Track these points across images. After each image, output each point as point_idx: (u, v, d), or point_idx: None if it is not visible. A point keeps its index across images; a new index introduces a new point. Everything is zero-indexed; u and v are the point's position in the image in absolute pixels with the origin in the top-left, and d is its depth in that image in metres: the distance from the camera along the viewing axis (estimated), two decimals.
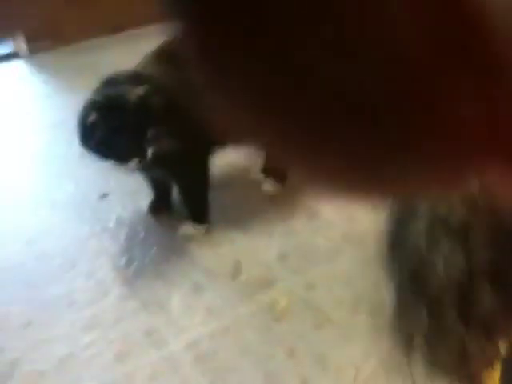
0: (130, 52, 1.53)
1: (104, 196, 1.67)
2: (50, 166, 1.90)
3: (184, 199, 1.47)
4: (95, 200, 1.66)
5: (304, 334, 1.11)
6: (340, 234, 1.35)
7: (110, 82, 1.32)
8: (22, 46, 2.82)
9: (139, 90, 1.25)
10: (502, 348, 0.68)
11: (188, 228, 1.46)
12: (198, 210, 1.46)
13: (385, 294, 0.67)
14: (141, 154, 1.25)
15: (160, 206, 1.55)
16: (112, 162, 1.27)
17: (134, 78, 1.32)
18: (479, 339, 0.56)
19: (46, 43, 2.75)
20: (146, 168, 1.36)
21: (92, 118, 1.21)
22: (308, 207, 1.47)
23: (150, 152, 1.26)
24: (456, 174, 0.19)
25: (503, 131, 0.17)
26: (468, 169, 0.19)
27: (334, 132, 0.18)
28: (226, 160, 1.61)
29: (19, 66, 2.79)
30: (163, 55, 1.40)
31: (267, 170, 1.60)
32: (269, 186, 1.59)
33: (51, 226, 1.56)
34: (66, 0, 2.65)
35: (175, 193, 1.51)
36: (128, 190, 1.66)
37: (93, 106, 1.25)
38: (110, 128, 1.22)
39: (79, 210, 1.62)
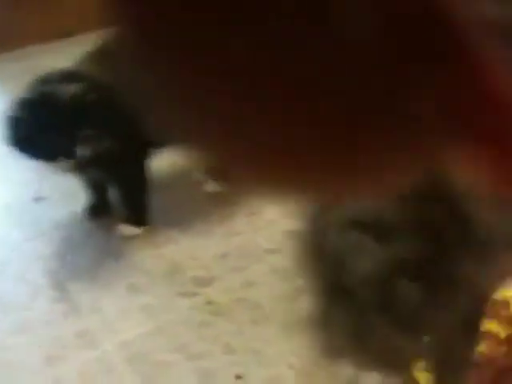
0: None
1: (39, 199, 1.62)
2: None
3: (122, 200, 1.44)
4: (30, 203, 1.60)
5: (241, 331, 1.09)
6: (280, 232, 1.34)
7: (44, 80, 1.28)
8: None
9: (73, 88, 1.22)
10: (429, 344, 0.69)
11: (126, 229, 1.42)
12: (137, 211, 1.43)
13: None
14: (68, 153, 1.22)
15: (97, 209, 1.51)
16: (40, 161, 1.23)
17: (69, 76, 1.28)
18: (404, 335, 0.55)
19: None
20: (81, 169, 1.32)
21: (18, 113, 1.17)
22: (249, 207, 1.46)
23: (79, 151, 1.22)
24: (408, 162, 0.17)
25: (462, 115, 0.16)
26: (421, 157, 0.17)
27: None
28: (166, 161, 1.59)
29: None
30: (100, 54, 1.37)
31: (210, 170, 1.58)
32: (210, 186, 1.57)
33: None
34: (13, 3, 2.59)
35: (113, 195, 1.48)
36: (64, 193, 1.61)
37: (21, 102, 1.21)
38: (37, 125, 1.19)
39: (12, 213, 1.56)
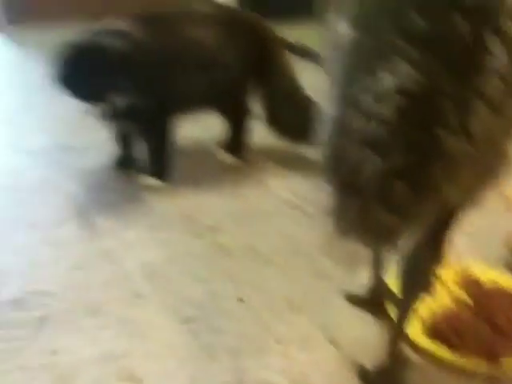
0: None
1: (70, 148, 1.80)
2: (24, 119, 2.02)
3: (148, 154, 1.60)
4: (63, 150, 1.78)
5: (243, 266, 1.25)
6: (280, 200, 1.52)
7: (97, 33, 1.46)
8: None
9: (120, 44, 1.41)
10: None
11: (148, 180, 1.59)
12: (159, 166, 1.60)
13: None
14: (105, 98, 1.39)
15: (123, 161, 1.68)
16: (81, 100, 1.40)
17: (119, 34, 1.46)
18: (396, 220, 0.70)
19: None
20: (113, 117, 1.49)
21: (69, 55, 1.36)
22: (256, 177, 1.64)
23: (113, 99, 1.40)
24: None
25: None
26: None
27: None
28: (190, 132, 1.78)
29: None
30: (151, 20, 1.56)
31: (226, 145, 1.76)
32: (226, 157, 1.75)
33: (24, 168, 1.67)
34: None
35: (139, 149, 1.64)
36: (93, 145, 1.79)
37: (74, 47, 1.39)
38: (83, 67, 1.37)
39: (47, 157, 1.74)
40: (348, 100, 0.68)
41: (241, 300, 1.15)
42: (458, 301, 1.13)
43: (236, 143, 1.76)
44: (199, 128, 1.85)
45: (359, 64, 0.69)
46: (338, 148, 0.68)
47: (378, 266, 1.07)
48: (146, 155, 1.61)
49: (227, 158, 1.76)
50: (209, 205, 1.51)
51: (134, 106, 1.46)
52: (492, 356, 0.99)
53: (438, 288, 1.16)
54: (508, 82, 0.65)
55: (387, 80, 0.63)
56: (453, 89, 0.63)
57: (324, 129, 0.73)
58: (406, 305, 0.91)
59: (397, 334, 0.93)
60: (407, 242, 0.84)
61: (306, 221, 1.45)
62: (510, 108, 0.68)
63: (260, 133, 1.76)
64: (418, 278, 0.88)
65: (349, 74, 0.71)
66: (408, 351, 1.01)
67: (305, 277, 1.23)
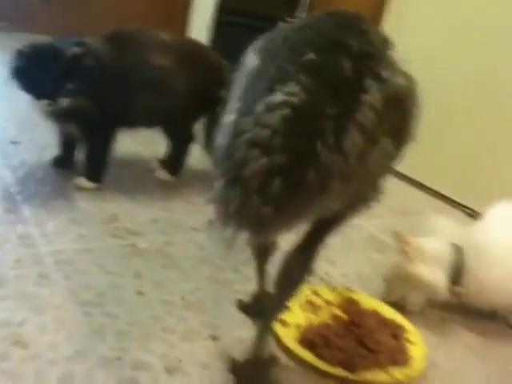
0: None
1: (15, 143, 1.89)
2: None
3: (85, 157, 1.70)
4: (5, 144, 1.87)
5: (152, 268, 1.35)
6: (204, 217, 1.62)
7: (58, 40, 1.58)
8: None
9: (74, 49, 1.53)
10: None
11: (81, 181, 1.69)
12: (94, 169, 1.70)
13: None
14: (54, 97, 1.50)
15: (63, 161, 1.78)
16: (32, 95, 1.51)
17: (78, 42, 1.59)
18: (273, 212, 0.74)
19: None
20: (60, 118, 1.60)
21: (25, 51, 1.48)
22: (185, 194, 1.76)
23: (60, 99, 1.51)
24: None
25: None
26: None
27: None
28: (133, 147, 1.89)
29: None
30: (113, 36, 1.69)
31: (164, 163, 1.88)
32: (161, 174, 1.87)
33: None
34: None
35: (79, 153, 1.75)
36: (37, 143, 1.89)
37: (32, 47, 1.51)
38: (39, 65, 1.48)
39: None
40: (245, 110, 0.79)
41: (139, 293, 1.24)
42: (334, 316, 1.25)
43: (174, 163, 1.88)
44: (142, 143, 1.97)
45: (259, 84, 0.81)
46: (230, 147, 0.77)
47: (261, 274, 1.18)
48: (83, 157, 1.71)
49: (163, 174, 1.87)
50: (134, 211, 1.62)
51: (81, 110, 1.57)
52: (351, 367, 1.10)
53: (322, 305, 1.29)
54: (379, 114, 0.79)
55: (278, 96, 0.76)
56: (333, 112, 0.75)
57: (221, 133, 0.84)
58: (274, 306, 1.02)
59: (263, 331, 1.02)
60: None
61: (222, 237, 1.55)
62: (383, 141, 0.81)
63: (197, 155, 1.89)
64: (289, 282, 0.98)
65: (249, 91, 0.83)
66: (280, 354, 1.12)
67: (204, 281, 1.33)
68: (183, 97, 1.72)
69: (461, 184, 2.18)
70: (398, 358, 1.15)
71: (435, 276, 1.33)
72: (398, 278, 1.35)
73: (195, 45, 1.90)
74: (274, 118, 0.74)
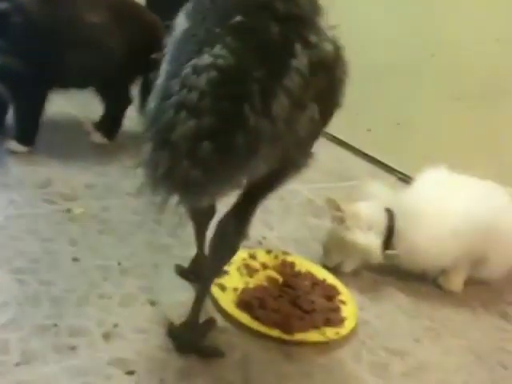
0: None
1: None
2: None
3: (16, 119, 1.64)
4: None
5: (87, 234, 1.33)
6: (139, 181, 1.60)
7: None
8: None
9: (2, 5, 1.45)
10: None
11: (13, 145, 1.62)
12: (26, 132, 1.64)
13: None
14: None
15: None
16: None
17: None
18: (203, 175, 0.74)
19: None
20: None
21: None
22: (120, 158, 1.73)
23: None
24: None
25: None
26: None
27: None
28: (67, 109, 1.83)
29: None
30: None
31: (100, 125, 1.84)
32: (96, 137, 1.82)
33: None
34: None
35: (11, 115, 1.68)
36: None
37: None
38: None
39: None
40: (173, 73, 0.78)
41: (75, 259, 1.22)
42: (270, 279, 1.28)
43: (109, 126, 1.84)
44: (76, 105, 1.91)
45: (187, 47, 0.80)
46: (159, 110, 0.76)
47: (200, 238, 1.18)
48: (14, 119, 1.65)
49: (98, 137, 1.83)
50: (68, 176, 1.58)
51: (9, 69, 1.50)
52: (287, 328, 1.13)
53: (258, 268, 1.31)
54: (306, 80, 0.80)
55: (206, 58, 0.75)
56: (260, 75, 0.76)
57: (152, 96, 0.83)
58: (209, 270, 1.03)
59: (200, 295, 1.04)
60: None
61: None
62: (310, 107, 0.83)
63: (133, 118, 1.85)
64: (223, 246, 0.99)
65: (178, 54, 0.82)
66: (218, 317, 1.14)
67: (142, 246, 1.33)
68: (117, 56, 1.67)
69: (394, 149, 2.25)
70: (332, 317, 1.20)
71: (370, 241, 1.38)
72: (334, 244, 1.40)
73: (130, 3, 1.84)
74: (201, 81, 0.73)
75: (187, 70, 0.75)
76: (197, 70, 0.74)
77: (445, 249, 1.40)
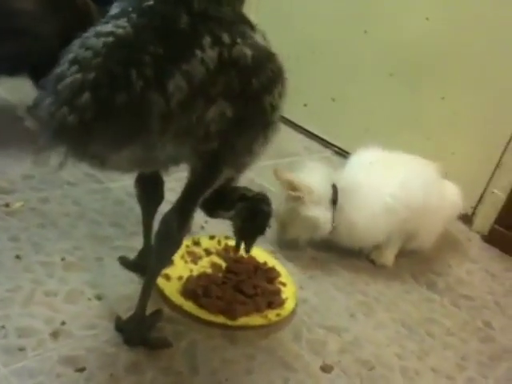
0: None
1: None
2: None
3: None
4: None
5: (28, 228, 1.32)
6: (81, 172, 1.60)
7: None
8: None
9: None
10: None
11: None
12: None
13: None
14: None
15: None
16: None
17: None
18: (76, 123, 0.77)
19: None
20: None
21: None
22: None
23: None
24: None
25: None
26: None
27: None
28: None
29: None
30: None
31: (34, 109, 1.79)
32: (30, 123, 1.78)
33: None
34: None
35: None
36: None
37: None
38: None
39: None
40: (81, 40, 0.82)
41: (17, 257, 1.23)
42: (214, 265, 1.32)
43: None
44: (8, 88, 1.85)
45: (103, 21, 0.86)
46: (58, 66, 0.81)
47: (147, 229, 1.21)
48: None
49: (33, 123, 1.78)
50: (4, 167, 1.55)
51: None
52: (231, 314, 1.19)
53: (202, 255, 1.36)
54: (213, 74, 0.84)
55: (108, 27, 0.82)
56: (157, 51, 0.80)
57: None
58: (155, 264, 1.07)
59: (146, 288, 1.08)
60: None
61: (100, 190, 1.55)
62: (220, 102, 0.87)
63: None
64: (167, 240, 1.03)
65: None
66: (164, 306, 1.18)
67: (84, 239, 1.34)
68: (48, 42, 1.62)
69: (329, 124, 2.31)
70: (274, 300, 1.26)
71: (324, 215, 1.45)
72: (291, 219, 1.45)
73: None
74: (99, 43, 0.80)
75: (89, 34, 0.82)
76: (97, 35, 0.81)
77: (380, 224, 1.49)
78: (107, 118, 0.78)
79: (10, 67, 1.64)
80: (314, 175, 1.51)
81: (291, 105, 2.24)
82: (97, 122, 0.77)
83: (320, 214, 1.45)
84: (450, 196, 1.67)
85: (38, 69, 1.69)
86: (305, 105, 2.37)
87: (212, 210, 1.15)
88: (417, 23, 2.02)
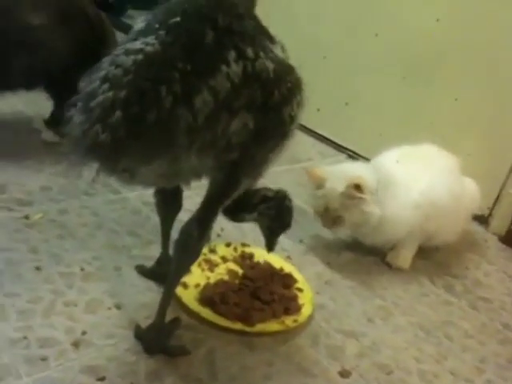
0: None
1: None
2: None
3: None
4: None
5: (47, 240, 1.35)
6: (99, 181, 1.62)
7: None
8: None
9: None
10: None
11: None
12: None
13: None
14: None
15: None
16: None
17: None
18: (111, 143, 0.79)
19: None
20: None
21: None
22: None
23: None
24: None
25: None
26: None
27: None
28: (16, 107, 1.81)
29: None
30: None
31: (49, 122, 1.82)
32: (48, 135, 1.81)
33: None
34: None
35: None
36: None
37: None
38: None
39: None
40: (111, 58, 0.85)
41: (37, 268, 1.25)
42: (230, 272, 1.34)
43: (61, 123, 1.83)
44: (24, 101, 1.89)
45: (128, 37, 0.91)
46: (89, 83, 0.83)
47: (165, 237, 1.23)
48: None
49: (49, 135, 1.82)
50: (22, 179, 1.57)
51: None
52: (248, 320, 1.20)
53: (219, 262, 1.37)
54: (237, 87, 0.86)
55: (137, 44, 0.85)
56: (185, 68, 0.83)
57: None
58: (174, 273, 1.08)
59: (165, 297, 1.09)
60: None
61: (117, 200, 1.58)
62: (242, 114, 0.88)
63: None
64: (186, 249, 1.04)
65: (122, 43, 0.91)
66: (182, 314, 1.19)
67: (102, 249, 1.36)
68: (63, 56, 1.65)
69: (343, 128, 2.32)
70: (291, 306, 1.27)
71: (378, 211, 1.46)
72: (349, 215, 1.46)
73: (72, 0, 1.81)
74: (129, 61, 0.82)
75: (119, 51, 0.84)
76: (127, 52, 0.83)
77: (407, 220, 1.50)
78: (138, 135, 0.80)
79: (26, 80, 1.67)
80: (365, 171, 1.51)
81: (305, 109, 2.25)
82: (128, 139, 0.79)
83: (378, 210, 1.46)
84: (470, 192, 1.69)
85: (53, 82, 1.75)
86: (318, 109, 2.37)
87: (236, 215, 1.18)
88: (427, 25, 2.02)
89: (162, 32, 0.85)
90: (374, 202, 1.46)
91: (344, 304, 1.38)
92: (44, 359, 1.03)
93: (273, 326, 1.21)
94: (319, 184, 1.48)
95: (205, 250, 1.39)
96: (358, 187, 1.43)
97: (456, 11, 1.96)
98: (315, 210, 1.51)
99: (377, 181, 1.49)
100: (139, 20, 0.94)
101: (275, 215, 1.19)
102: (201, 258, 1.36)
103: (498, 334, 1.39)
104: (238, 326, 1.18)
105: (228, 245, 1.45)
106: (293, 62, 1.00)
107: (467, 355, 1.29)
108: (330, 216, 1.48)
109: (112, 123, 0.78)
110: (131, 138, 0.79)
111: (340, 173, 1.49)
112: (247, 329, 1.18)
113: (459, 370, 1.24)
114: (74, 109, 0.82)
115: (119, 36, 1.87)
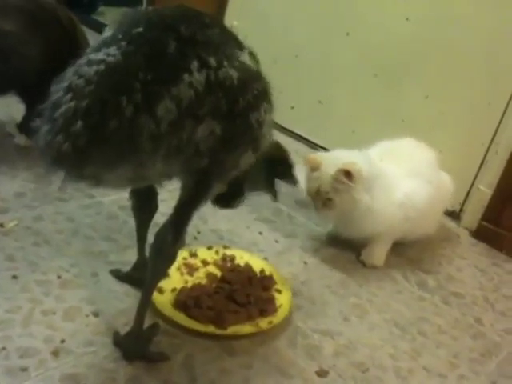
0: None
1: None
2: None
3: None
4: None
5: (23, 248, 1.34)
6: (73, 187, 1.61)
7: None
8: None
9: None
10: None
11: None
12: None
13: None
14: None
15: None
16: None
17: None
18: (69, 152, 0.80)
19: None
20: None
21: None
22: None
23: None
24: None
25: None
26: None
27: None
28: None
29: None
30: None
31: (23, 127, 1.81)
32: (21, 139, 1.80)
33: None
34: None
35: None
36: None
37: None
38: None
39: None
40: (75, 68, 0.86)
41: (14, 277, 1.24)
42: (209, 275, 1.35)
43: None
44: None
45: (92, 48, 0.91)
46: (53, 93, 0.84)
47: (141, 242, 1.24)
48: None
49: (23, 140, 1.80)
50: None
51: None
52: (220, 323, 1.21)
53: (199, 266, 1.38)
54: (200, 95, 0.88)
55: (100, 55, 0.86)
56: (146, 77, 0.84)
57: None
58: (150, 278, 1.09)
59: (143, 303, 1.10)
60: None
61: (92, 205, 1.57)
62: (208, 121, 0.90)
63: None
64: (162, 254, 1.05)
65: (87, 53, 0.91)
66: (159, 320, 1.20)
67: (79, 255, 1.36)
68: (33, 61, 1.64)
69: (316, 126, 2.34)
70: (267, 308, 1.28)
71: (368, 199, 1.49)
72: (339, 200, 1.48)
73: (43, 4, 1.79)
74: (91, 71, 0.83)
75: (82, 61, 0.86)
76: (89, 63, 0.85)
77: (390, 215, 1.53)
78: (100, 143, 0.82)
79: None
80: (361, 159, 1.52)
81: (278, 107, 2.27)
82: (90, 148, 0.81)
83: (368, 198, 1.48)
84: (446, 186, 1.74)
85: (26, 86, 1.73)
86: (292, 107, 2.39)
87: (231, 203, 1.22)
88: (397, 24, 2.05)
89: (123, 43, 0.86)
90: (366, 190, 1.48)
91: (320, 303, 1.40)
92: (24, 369, 1.03)
93: (246, 328, 1.23)
94: (315, 167, 1.51)
95: (185, 253, 1.40)
96: (347, 173, 1.45)
97: (425, 10, 1.99)
98: (308, 192, 1.54)
99: (370, 171, 1.51)
100: (106, 29, 0.96)
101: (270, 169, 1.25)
102: (181, 262, 1.37)
103: (470, 329, 1.43)
104: (211, 328, 1.20)
105: (209, 248, 1.46)
106: (264, 65, 1.01)
107: (441, 351, 1.33)
108: (320, 198, 1.50)
109: (73, 132, 0.79)
110: (93, 146, 0.81)
111: (336, 158, 1.51)
112: (219, 332, 1.20)
113: (433, 365, 1.27)
114: (39, 119, 0.83)
115: (89, 34, 1.86)
